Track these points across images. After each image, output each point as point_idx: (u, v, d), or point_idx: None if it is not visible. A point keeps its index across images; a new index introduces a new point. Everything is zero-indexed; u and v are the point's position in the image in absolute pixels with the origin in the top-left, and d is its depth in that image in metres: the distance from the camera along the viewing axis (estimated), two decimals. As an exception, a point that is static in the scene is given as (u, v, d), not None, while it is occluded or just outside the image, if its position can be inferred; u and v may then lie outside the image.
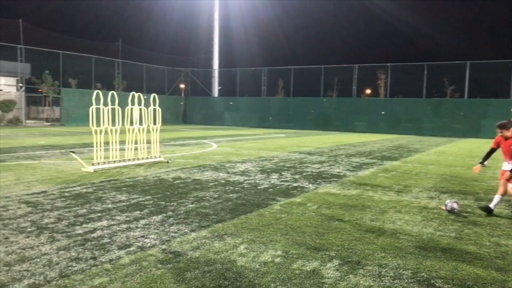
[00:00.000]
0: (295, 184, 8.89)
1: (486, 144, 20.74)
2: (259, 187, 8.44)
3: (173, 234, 5.17)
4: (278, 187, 8.50)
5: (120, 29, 72.86)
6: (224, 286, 3.70)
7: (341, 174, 10.54)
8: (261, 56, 64.70)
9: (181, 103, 44.86)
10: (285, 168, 11.36)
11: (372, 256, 4.59)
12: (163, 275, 3.91)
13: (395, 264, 4.39)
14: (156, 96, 12.02)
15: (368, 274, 4.10)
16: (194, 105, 44.73)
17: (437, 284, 3.88)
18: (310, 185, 8.82)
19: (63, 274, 3.88)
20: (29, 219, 5.69)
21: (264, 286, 3.73)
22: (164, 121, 40.27)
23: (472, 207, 7.19)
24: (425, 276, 4.08)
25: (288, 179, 9.56)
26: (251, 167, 11.27)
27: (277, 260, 4.41)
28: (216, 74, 45.54)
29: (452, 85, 36.40)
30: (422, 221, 6.16)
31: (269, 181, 9.16)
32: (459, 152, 17.62)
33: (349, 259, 4.48)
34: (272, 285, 3.77)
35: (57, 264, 4.12)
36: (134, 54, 44.48)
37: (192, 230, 5.37)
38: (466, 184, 9.55)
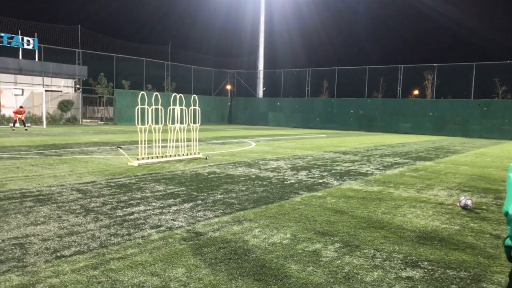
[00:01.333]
0: (320, 181, 9.41)
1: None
2: (286, 182, 9.04)
3: (199, 218, 5.90)
4: (304, 183, 9.06)
5: (169, 33, 75.61)
6: (234, 260, 4.36)
7: (368, 172, 10.91)
8: (304, 57, 65.04)
9: (229, 103, 46.07)
10: (315, 166, 11.86)
11: (372, 242, 5.09)
12: (184, 249, 4.63)
13: (391, 249, 4.87)
14: (196, 97, 12.89)
15: (362, 255, 4.61)
16: (239, 106, 45.82)
17: (422, 266, 4.34)
18: (335, 182, 9.30)
19: (103, 245, 4.69)
20: (79, 203, 6.63)
21: (268, 261, 4.35)
22: (210, 121, 41.87)
23: (488, 204, 7.41)
24: (414, 259, 4.54)
25: (315, 176, 10.08)
26: (283, 165, 11.87)
27: (285, 241, 5.01)
28: (261, 75, 46.39)
29: (503, 85, 35.15)
30: (432, 215, 6.52)
31: (297, 177, 9.73)
32: (501, 154, 17.30)
33: (350, 244, 5.00)
34: (275, 260, 4.38)
35: (99, 237, 4.95)
36: (182, 56, 46.27)
37: (216, 216, 6.07)
38: (492, 183, 9.65)
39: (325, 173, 10.49)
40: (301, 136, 25.94)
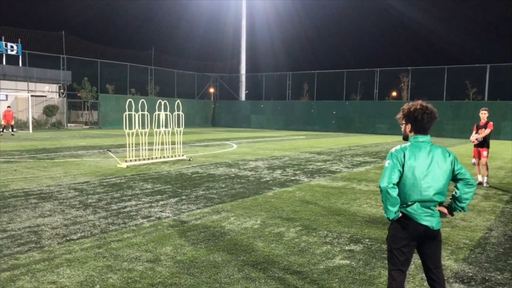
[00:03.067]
0: (293, 178, 10.48)
1: (503, 145, 21.55)
2: (261, 180, 10.08)
3: (183, 210, 6.90)
4: (277, 180, 10.11)
5: (152, 38, 76.26)
6: (212, 240, 5.38)
7: (337, 170, 12.03)
8: (285, 60, 66.33)
9: (212, 106, 46.97)
10: (290, 165, 12.94)
11: (327, 226, 6.16)
12: (171, 233, 5.63)
13: (341, 230, 5.94)
14: (180, 102, 13.86)
15: (317, 235, 5.68)
16: (222, 109, 46.77)
17: (363, 242, 5.42)
18: (306, 179, 10.38)
19: (103, 231, 5.66)
20: (77, 199, 7.55)
21: (239, 240, 5.37)
22: (194, 124, 42.72)
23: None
24: (359, 237, 5.63)
25: (289, 174, 11.15)
26: (261, 164, 12.91)
27: (255, 226, 6.05)
28: (243, 79, 47.43)
29: (474, 87, 36.87)
30: (384, 205, 7.64)
31: (272, 175, 10.78)
32: (463, 152, 18.64)
33: (308, 227, 6.06)
34: (245, 240, 5.41)
35: (99, 226, 5.91)
36: (165, 61, 47.00)
37: (198, 208, 7.08)
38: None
39: (298, 172, 11.57)
40: (281, 138, 27.05)
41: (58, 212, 6.59)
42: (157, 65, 44.58)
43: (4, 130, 25.64)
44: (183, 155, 13.75)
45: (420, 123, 3.11)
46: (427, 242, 3.10)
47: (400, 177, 3.05)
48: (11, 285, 3.91)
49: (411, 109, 3.14)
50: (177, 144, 13.71)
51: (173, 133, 13.70)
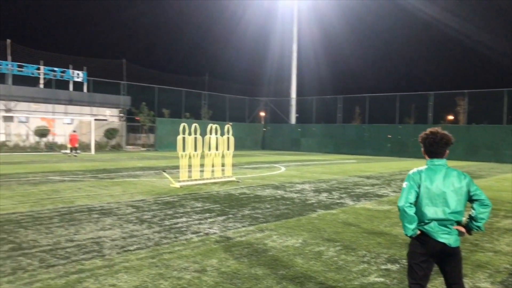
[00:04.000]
0: (338, 201, 10.67)
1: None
2: (306, 202, 10.37)
3: (229, 228, 7.35)
4: (322, 203, 10.35)
5: (206, 65, 79.18)
6: (254, 255, 5.76)
7: (384, 194, 12.06)
8: (334, 84, 66.40)
9: (262, 130, 47.78)
10: (337, 188, 13.10)
11: (366, 247, 6.35)
12: (217, 248, 6.07)
13: (380, 251, 6.12)
14: (230, 126, 14.52)
15: (355, 255, 5.90)
16: (272, 132, 47.43)
17: (400, 262, 5.58)
18: (351, 202, 10.54)
19: (156, 244, 6.20)
20: (134, 215, 8.22)
21: (280, 257, 5.71)
22: (244, 147, 43.63)
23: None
24: (396, 258, 5.78)
25: (334, 197, 11.35)
26: (307, 187, 13.18)
27: (296, 245, 6.36)
28: (293, 102, 47.97)
29: (536, 110, 35.09)
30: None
31: (317, 198, 11.03)
32: (523, 179, 17.86)
33: (348, 247, 6.29)
34: (286, 256, 5.74)
35: (153, 239, 6.47)
36: (218, 86, 48.63)
37: (243, 226, 7.50)
38: (498, 205, 10.57)
39: (344, 195, 11.73)
40: (330, 162, 27.08)
41: (117, 226, 7.25)
42: (211, 91, 46.25)
43: (70, 152, 27.59)
44: (232, 177, 14.31)
45: (429, 148, 3.43)
46: (445, 258, 3.33)
47: (418, 197, 3.34)
48: (78, 285, 4.49)
49: (423, 136, 3.46)
50: (227, 166, 14.30)
51: (223, 156, 14.32)
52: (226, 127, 14.42)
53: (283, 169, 20.09)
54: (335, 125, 43.05)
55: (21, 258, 5.37)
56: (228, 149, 14.36)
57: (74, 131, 29.27)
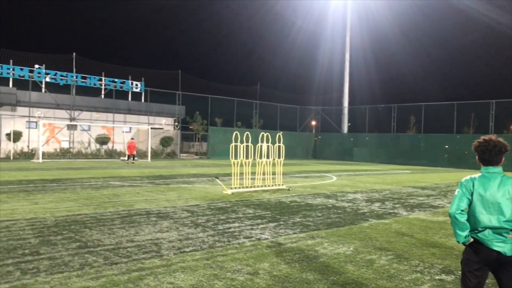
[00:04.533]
0: (391, 211, 10.50)
1: None
2: (358, 211, 10.28)
3: (281, 234, 7.47)
4: (375, 212, 10.23)
5: (257, 75, 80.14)
6: (305, 261, 5.85)
7: (440, 205, 11.69)
8: (384, 92, 64.83)
9: (314, 139, 47.58)
10: (390, 199, 12.86)
11: (420, 256, 6.25)
12: (269, 253, 6.22)
13: (434, 261, 6.00)
14: (281, 134, 14.69)
15: (408, 264, 5.83)
16: (324, 141, 47.08)
17: (456, 273, 5.45)
18: (404, 212, 10.33)
19: (211, 246, 6.45)
20: (189, 219, 8.56)
21: (331, 263, 5.76)
22: (295, 156, 43.63)
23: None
24: (452, 269, 5.65)
25: (387, 207, 11.16)
26: (359, 197, 13.04)
27: (348, 252, 6.38)
28: (346, 111, 47.42)
29: None
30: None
31: (370, 208, 10.91)
32: None
33: (401, 256, 6.22)
34: (337, 263, 5.78)
35: (207, 242, 6.73)
36: (269, 95, 49.08)
37: (294, 233, 7.60)
38: None
39: (397, 205, 11.51)
40: (384, 172, 26.50)
41: (174, 229, 7.59)
42: (262, 100, 46.76)
43: (128, 159, 28.89)
44: (282, 185, 14.43)
45: (482, 156, 3.40)
46: (500, 267, 3.28)
47: (470, 205, 3.33)
48: (139, 282, 4.79)
49: (476, 144, 3.44)
50: (277, 174, 14.46)
51: (274, 164, 14.50)
52: (277, 135, 14.61)
53: (334, 178, 19.94)
54: (389, 135, 42.04)
55: (87, 256, 5.79)
56: (279, 157, 14.52)
57: (132, 139, 30.62)
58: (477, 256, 3.34)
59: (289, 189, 14.15)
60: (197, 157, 40.56)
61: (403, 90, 70.49)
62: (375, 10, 49.18)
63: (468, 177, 3.47)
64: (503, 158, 3.44)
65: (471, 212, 3.37)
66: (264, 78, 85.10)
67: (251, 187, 13.50)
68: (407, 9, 54.77)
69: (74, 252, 5.95)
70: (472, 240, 3.37)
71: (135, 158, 30.10)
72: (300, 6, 54.15)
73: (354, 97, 48.30)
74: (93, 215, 8.72)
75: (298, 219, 8.95)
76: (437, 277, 5.29)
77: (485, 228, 3.30)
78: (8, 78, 31.86)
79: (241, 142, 13.32)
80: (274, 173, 14.50)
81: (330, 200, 12.02)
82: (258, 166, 13.95)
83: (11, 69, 31.56)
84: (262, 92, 49.30)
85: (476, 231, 3.34)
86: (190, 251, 6.14)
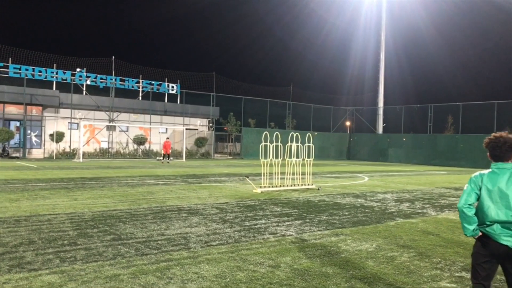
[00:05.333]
0: (419, 211, 10.45)
1: None
2: (386, 211, 10.30)
3: (305, 231, 7.66)
4: (403, 212, 10.21)
5: (291, 75, 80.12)
6: (327, 256, 6.01)
7: (472, 206, 11.49)
8: (418, 92, 63.29)
9: (348, 140, 47.16)
10: (420, 199, 12.75)
11: (442, 254, 6.28)
12: (292, 248, 6.42)
13: (457, 259, 6.03)
14: (311, 134, 14.82)
15: (429, 261, 5.89)
16: (358, 142, 46.58)
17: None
18: (433, 212, 10.26)
19: (236, 241, 6.72)
20: (218, 216, 8.87)
21: (352, 259, 5.91)
22: (329, 157, 43.45)
23: None
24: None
25: (416, 207, 11.10)
26: (389, 197, 13.00)
27: (370, 249, 6.49)
28: (381, 111, 46.77)
29: None
30: (513, 241, 7.33)
31: (398, 207, 10.89)
32: None
33: (423, 254, 6.28)
34: (358, 259, 5.92)
35: (233, 237, 7.00)
36: (302, 95, 49.10)
37: (319, 230, 7.76)
38: None
39: (427, 205, 11.42)
40: (418, 173, 26.05)
41: (202, 224, 7.92)
42: (295, 100, 46.83)
43: (164, 159, 29.70)
44: (312, 184, 14.55)
45: (493, 152, 3.48)
46: (509, 261, 3.36)
47: (479, 199, 3.43)
48: (166, 271, 5.12)
49: (487, 140, 3.53)
50: (307, 173, 14.59)
51: (304, 164, 14.65)
52: (307, 135, 14.75)
53: (366, 179, 19.83)
54: (425, 135, 41.13)
55: (120, 247, 6.18)
56: (308, 157, 14.65)
57: (168, 139, 31.42)
58: (486, 250, 3.44)
59: (318, 189, 14.26)
60: (231, 157, 41.10)
61: (438, 90, 68.73)
62: (409, 8, 48.26)
63: (477, 173, 3.57)
64: None
65: (479, 207, 3.47)
66: (295, 78, 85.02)
67: (280, 186, 13.71)
68: (443, 6, 53.45)
69: (108, 243, 6.36)
70: (480, 234, 3.47)
71: (170, 158, 30.88)
72: (333, 5, 53.86)
73: (387, 97, 47.52)
74: (128, 211, 9.18)
75: (324, 217, 9.09)
76: (457, 274, 5.33)
77: (493, 222, 3.39)
78: (52, 82, 33.46)
79: (271, 142, 13.55)
80: (304, 173, 14.64)
81: (359, 200, 12.05)
82: (287, 166, 14.14)
83: (55, 73, 33.12)
84: (294, 92, 49.41)
85: (485, 225, 3.44)
86: (216, 245, 6.43)
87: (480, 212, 3.45)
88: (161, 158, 30.21)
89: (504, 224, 3.36)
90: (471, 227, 3.44)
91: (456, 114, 40.12)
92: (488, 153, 3.63)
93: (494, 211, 3.38)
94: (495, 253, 3.39)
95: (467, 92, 66.16)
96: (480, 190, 3.46)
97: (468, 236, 3.50)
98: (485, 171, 3.55)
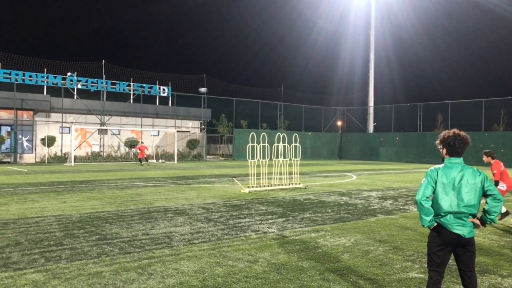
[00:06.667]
0: (401, 207, 10.71)
1: None
2: (369, 208, 10.56)
3: (287, 228, 7.89)
4: (385, 209, 10.48)
5: (281, 76, 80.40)
6: (305, 251, 6.24)
7: (453, 202, 11.78)
8: (406, 91, 63.71)
9: (339, 139, 47.50)
10: (404, 196, 13.03)
11: (416, 248, 6.54)
12: (272, 244, 6.65)
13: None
14: (297, 135, 15.06)
15: (402, 254, 6.14)
16: (349, 141, 46.95)
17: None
18: (414, 209, 10.53)
19: (218, 239, 6.94)
20: (203, 215, 9.08)
21: (329, 253, 6.14)
22: (320, 157, 43.78)
23: (552, 229, 8.11)
24: (443, 258, 5.92)
25: (399, 204, 11.37)
26: (373, 194, 13.27)
27: (347, 244, 6.73)
28: (371, 111, 47.16)
29: None
30: (488, 234, 7.60)
31: (381, 205, 11.15)
32: None
33: (397, 248, 6.53)
34: (334, 253, 6.15)
35: (216, 235, 7.22)
36: (294, 96, 49.41)
37: (300, 227, 7.99)
38: None
39: (409, 202, 11.69)
40: (407, 171, 26.39)
41: (187, 224, 8.13)
42: (286, 101, 47.11)
43: (142, 162, 29.66)
44: (299, 184, 14.79)
45: (453, 148, 3.72)
46: (460, 248, 3.61)
47: (434, 192, 3.67)
48: (147, 268, 5.32)
49: (445, 136, 3.77)
50: (294, 173, 14.84)
51: (291, 164, 14.88)
52: (294, 135, 14.99)
53: (354, 177, 20.12)
54: (416, 134, 41.57)
55: (104, 246, 6.38)
56: (295, 157, 14.89)
57: (142, 142, 31.37)
58: (440, 239, 3.68)
59: (305, 188, 14.50)
60: (223, 158, 41.28)
61: (426, 90, 69.15)
62: (397, 9, 48.76)
63: (433, 167, 3.81)
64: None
65: (434, 199, 3.71)
66: (285, 79, 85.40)
67: (268, 186, 13.94)
68: (430, 7, 54.03)
69: (94, 243, 6.55)
70: (435, 224, 3.71)
71: (148, 161, 31.02)
72: (321, 6, 54.24)
73: (376, 96, 47.84)
74: (115, 212, 9.37)
75: (308, 215, 9.32)
76: (426, 265, 5.57)
77: (447, 213, 3.63)
78: (43, 86, 33.47)
79: (258, 143, 13.78)
80: (291, 173, 14.87)
81: (344, 198, 12.31)
82: (274, 166, 14.37)
83: (45, 77, 33.14)
84: (285, 93, 49.70)
85: (439, 216, 3.68)
86: (198, 243, 6.64)
87: (435, 204, 3.69)
88: (144, 161, 30.21)
89: (456, 214, 3.60)
90: (428, 218, 3.67)
91: (445, 113, 40.61)
92: (444, 149, 3.86)
93: (447, 202, 3.62)
94: (448, 241, 3.63)
95: (453, 91, 66.69)
96: (435, 183, 3.70)
97: (425, 226, 3.73)
98: (440, 166, 3.80)
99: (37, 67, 33.13)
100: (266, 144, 13.87)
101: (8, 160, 30.53)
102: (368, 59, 47.43)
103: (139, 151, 30.66)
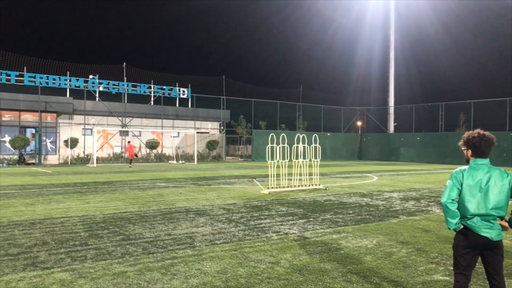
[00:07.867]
0: (424, 209, 10.57)
1: None
2: (390, 209, 10.45)
3: (308, 229, 7.87)
4: (407, 210, 10.35)
5: (300, 76, 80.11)
6: (326, 252, 6.22)
7: (477, 203, 11.56)
8: (425, 91, 62.68)
9: (359, 140, 47.07)
10: (427, 197, 12.84)
11: (440, 250, 6.44)
12: (293, 245, 6.64)
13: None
14: (317, 135, 15.00)
15: (426, 256, 6.06)
16: (369, 142, 46.49)
17: (471, 265, 5.63)
18: (438, 210, 10.37)
19: (240, 239, 6.97)
20: (224, 216, 9.13)
21: (351, 255, 6.11)
22: (340, 157, 43.46)
23: None
24: (468, 261, 5.82)
25: (421, 205, 11.22)
26: (395, 195, 13.12)
27: (370, 246, 6.68)
28: (391, 111, 46.61)
29: None
30: (513, 236, 7.44)
31: (403, 206, 11.02)
32: None
33: (420, 249, 6.45)
34: (357, 254, 6.12)
35: (237, 236, 7.25)
36: (313, 97, 49.22)
37: (322, 228, 7.97)
38: None
39: (432, 203, 11.52)
40: (428, 172, 26.00)
41: (209, 224, 8.19)
42: (305, 102, 46.96)
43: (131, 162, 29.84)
44: (319, 185, 14.73)
45: (478, 149, 3.66)
46: (488, 251, 3.54)
47: (460, 194, 3.61)
48: (171, 268, 5.39)
49: (470, 137, 3.71)
50: (314, 174, 14.78)
51: (311, 165, 14.84)
52: (313, 136, 14.93)
53: (375, 178, 19.92)
54: (437, 134, 40.90)
55: (128, 246, 6.48)
56: (315, 158, 14.84)
57: (129, 142, 31.38)
58: (467, 241, 3.62)
59: (326, 189, 14.43)
60: (242, 159, 41.39)
61: (445, 89, 67.94)
62: (416, 7, 48.08)
63: (458, 169, 3.76)
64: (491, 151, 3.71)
65: (460, 201, 3.65)
66: (301, 78, 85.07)
67: (288, 187, 13.92)
68: (450, 5, 53.05)
69: (117, 243, 6.67)
70: (462, 226, 3.66)
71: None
72: (339, 5, 53.88)
73: (395, 96, 47.22)
74: (138, 213, 9.50)
75: (329, 216, 9.28)
76: (451, 268, 5.49)
77: (474, 215, 3.57)
78: (66, 89, 34.16)
79: (277, 143, 13.78)
80: (311, 174, 14.82)
81: (365, 199, 12.21)
82: (294, 167, 14.35)
83: (68, 80, 33.83)
84: (306, 94, 49.59)
85: (466, 219, 3.62)
86: (220, 243, 6.69)
87: (461, 206, 3.63)
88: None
89: (484, 216, 3.54)
90: (454, 221, 3.61)
91: (468, 112, 39.85)
92: (469, 150, 3.80)
93: (474, 205, 3.56)
94: (475, 244, 3.57)
95: (474, 90, 65.29)
96: (461, 185, 3.64)
97: (451, 229, 3.67)
98: (465, 167, 3.74)
99: (60, 70, 33.88)
100: (286, 145, 13.86)
101: (33, 161, 31.25)
102: (386, 59, 46.95)
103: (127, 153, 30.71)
